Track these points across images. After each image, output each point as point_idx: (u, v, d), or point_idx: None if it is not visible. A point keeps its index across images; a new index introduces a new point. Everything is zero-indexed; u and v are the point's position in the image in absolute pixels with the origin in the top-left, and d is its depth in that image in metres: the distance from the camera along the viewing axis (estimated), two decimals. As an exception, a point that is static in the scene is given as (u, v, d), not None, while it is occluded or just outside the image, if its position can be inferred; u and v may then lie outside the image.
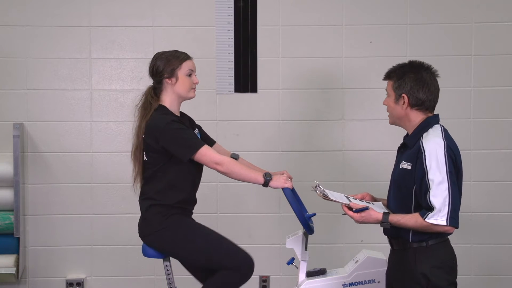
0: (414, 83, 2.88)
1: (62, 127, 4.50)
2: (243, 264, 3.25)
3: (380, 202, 3.09)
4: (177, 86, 3.29)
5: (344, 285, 3.23)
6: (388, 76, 2.99)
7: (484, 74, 4.51)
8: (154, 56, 3.37)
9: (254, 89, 4.51)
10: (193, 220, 3.34)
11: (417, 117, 2.92)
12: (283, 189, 3.16)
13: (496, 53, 4.50)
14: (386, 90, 3.00)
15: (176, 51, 3.35)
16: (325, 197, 2.98)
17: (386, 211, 2.92)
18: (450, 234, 2.86)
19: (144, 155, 3.29)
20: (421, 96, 2.89)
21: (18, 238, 4.34)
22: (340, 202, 2.96)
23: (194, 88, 3.36)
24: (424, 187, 2.77)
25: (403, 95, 2.90)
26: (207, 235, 3.27)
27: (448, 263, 2.85)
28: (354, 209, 2.90)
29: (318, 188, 3.00)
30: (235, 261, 3.24)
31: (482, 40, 4.49)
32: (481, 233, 4.55)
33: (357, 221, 2.91)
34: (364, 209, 2.89)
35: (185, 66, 3.30)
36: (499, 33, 4.49)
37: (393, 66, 3.00)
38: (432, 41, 4.49)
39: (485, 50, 4.50)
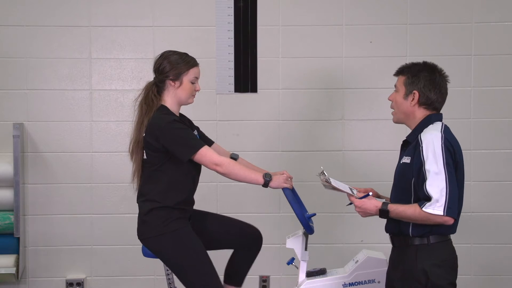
0: (427, 82, 2.93)
1: (62, 127, 4.50)
2: None
3: (384, 200, 3.09)
4: (179, 91, 3.27)
5: (344, 285, 3.23)
6: (401, 72, 3.02)
7: (484, 74, 4.51)
8: (163, 55, 3.32)
9: (254, 89, 4.51)
10: (192, 233, 3.26)
11: (422, 114, 2.96)
12: (283, 189, 3.16)
13: (496, 53, 4.50)
14: (395, 85, 3.03)
15: (187, 55, 3.31)
16: (327, 183, 2.99)
17: None
18: (451, 230, 2.86)
19: (144, 154, 3.29)
20: (432, 96, 2.94)
21: (18, 238, 4.35)
22: (343, 191, 2.98)
23: (194, 95, 3.35)
24: (421, 178, 2.79)
25: (415, 91, 2.94)
26: (196, 269, 3.22)
27: (448, 263, 2.86)
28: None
29: (323, 174, 3.01)
30: None
31: (482, 40, 4.49)
32: (481, 233, 4.55)
33: (357, 207, 2.93)
34: (366, 195, 2.95)
35: (192, 73, 3.28)
36: (499, 33, 4.49)
37: (406, 64, 3.04)
38: (432, 41, 4.49)
39: (485, 50, 4.50)
